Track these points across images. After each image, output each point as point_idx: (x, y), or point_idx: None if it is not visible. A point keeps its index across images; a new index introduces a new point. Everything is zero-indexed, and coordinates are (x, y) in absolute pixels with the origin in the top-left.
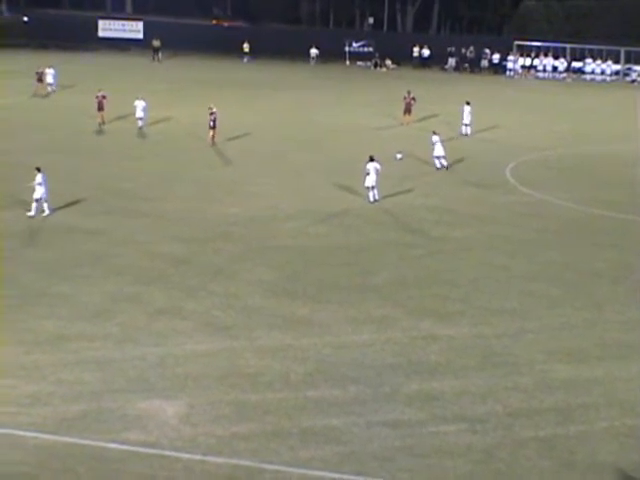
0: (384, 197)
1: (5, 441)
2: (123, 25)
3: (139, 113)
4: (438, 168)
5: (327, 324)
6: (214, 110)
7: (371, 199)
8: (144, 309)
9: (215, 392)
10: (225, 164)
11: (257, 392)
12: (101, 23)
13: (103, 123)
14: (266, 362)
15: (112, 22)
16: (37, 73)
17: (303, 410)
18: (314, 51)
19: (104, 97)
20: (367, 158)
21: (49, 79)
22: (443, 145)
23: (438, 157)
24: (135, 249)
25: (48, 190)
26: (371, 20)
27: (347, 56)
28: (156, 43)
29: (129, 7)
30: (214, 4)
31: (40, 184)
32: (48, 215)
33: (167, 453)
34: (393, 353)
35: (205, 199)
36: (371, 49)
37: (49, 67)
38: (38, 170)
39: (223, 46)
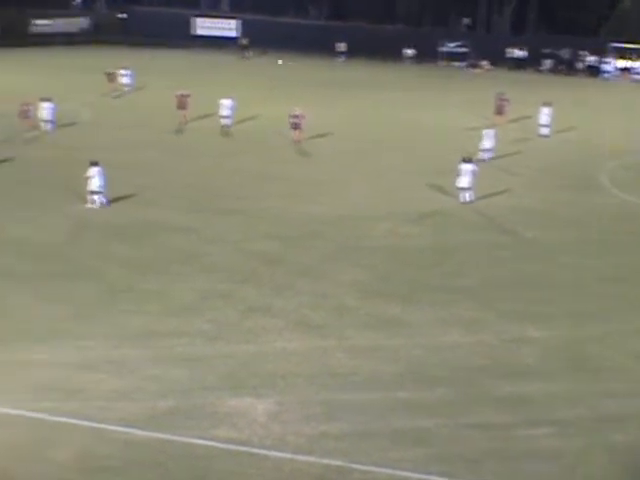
0: (477, 198)
1: (93, 435)
2: (218, 23)
3: (226, 111)
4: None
5: (418, 325)
6: (297, 113)
7: (462, 200)
8: (235, 306)
9: (305, 391)
10: (313, 163)
11: (347, 392)
12: (196, 21)
13: (185, 122)
14: (357, 362)
15: (207, 20)
16: (107, 73)
17: (393, 411)
18: (409, 51)
19: (185, 95)
20: (460, 158)
21: (125, 80)
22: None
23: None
24: (226, 247)
25: (106, 183)
26: (466, 21)
27: (442, 56)
28: (244, 41)
29: (225, 5)
30: (310, 3)
31: (94, 177)
32: (103, 207)
33: (256, 451)
34: (483, 355)
35: (294, 197)
36: (466, 50)
37: (124, 68)
38: (93, 164)
39: (318, 45)
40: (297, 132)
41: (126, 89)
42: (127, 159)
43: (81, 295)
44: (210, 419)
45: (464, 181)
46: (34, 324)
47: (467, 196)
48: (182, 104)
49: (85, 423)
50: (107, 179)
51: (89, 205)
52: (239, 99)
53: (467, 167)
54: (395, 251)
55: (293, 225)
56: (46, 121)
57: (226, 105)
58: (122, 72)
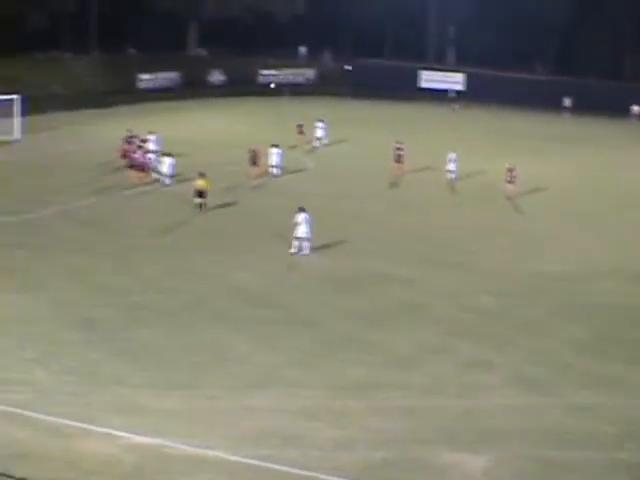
0: None
1: None
2: (444, 76)
3: (451, 166)
4: None
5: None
6: (510, 167)
7: None
8: (453, 360)
9: (521, 447)
10: (533, 217)
11: (563, 450)
12: (422, 74)
13: (401, 174)
14: (574, 420)
15: (433, 73)
16: (298, 126)
17: (610, 472)
18: (636, 108)
19: (400, 149)
20: None
21: (319, 133)
22: None
23: None
24: (446, 300)
25: (312, 231)
26: None
27: None
28: (452, 94)
29: (451, 58)
30: (536, 58)
31: (301, 223)
32: (307, 255)
33: None
34: None
35: (517, 252)
36: None
37: (319, 121)
38: (301, 210)
39: (543, 100)
40: (510, 187)
41: (317, 143)
42: (346, 209)
43: (301, 343)
44: (424, 472)
45: None
46: (254, 370)
47: None
48: (398, 158)
49: (301, 472)
50: (316, 226)
51: (292, 250)
52: (464, 152)
53: None
54: (619, 309)
55: (516, 280)
56: (274, 166)
57: (452, 158)
58: (318, 125)
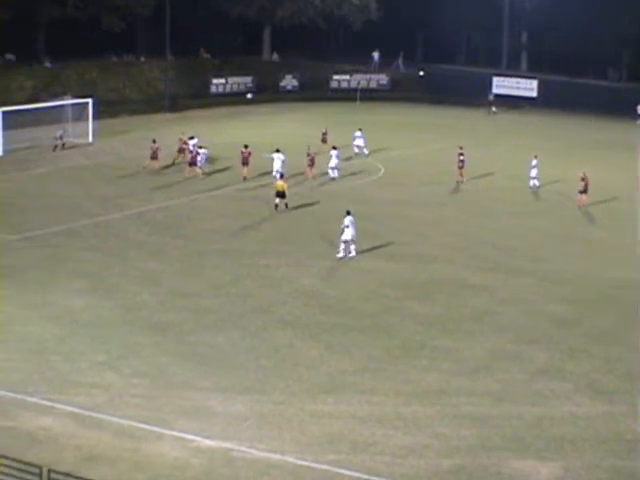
0: None
1: None
2: (517, 82)
3: (533, 172)
4: None
5: None
6: (583, 175)
7: None
8: (524, 368)
9: (591, 456)
10: (609, 225)
11: (634, 459)
12: (495, 80)
13: (462, 180)
14: None
15: (506, 79)
16: (322, 133)
17: None
18: None
19: (461, 154)
20: None
21: (358, 142)
22: None
23: None
24: (519, 307)
25: (357, 233)
26: None
27: None
28: (491, 97)
29: (524, 64)
30: (610, 65)
31: (348, 227)
32: (353, 257)
33: None
34: None
35: (590, 260)
36: None
37: (358, 130)
38: (348, 213)
39: (616, 107)
40: (583, 196)
41: (357, 151)
42: (413, 214)
43: (372, 349)
44: None
45: None
46: (323, 376)
47: None
48: (461, 163)
49: (369, 477)
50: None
51: (340, 255)
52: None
53: None
54: None
55: (589, 288)
56: (333, 168)
57: (535, 165)
58: (356, 134)
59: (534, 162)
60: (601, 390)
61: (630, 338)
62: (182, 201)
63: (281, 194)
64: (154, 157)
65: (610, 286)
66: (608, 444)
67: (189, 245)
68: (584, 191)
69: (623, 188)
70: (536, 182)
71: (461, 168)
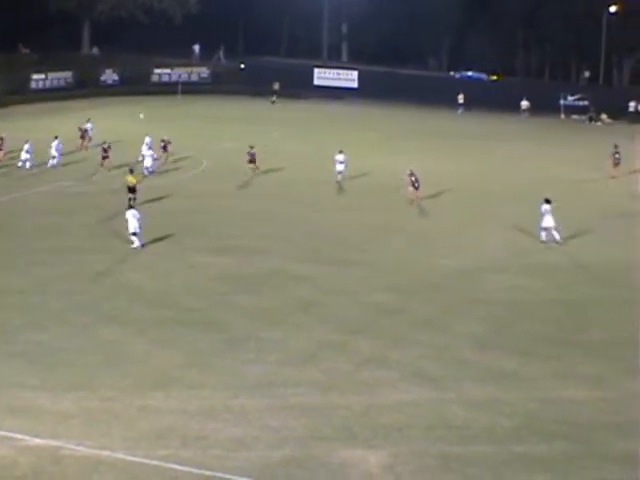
0: (597, 251)
1: None
2: (338, 74)
3: (339, 167)
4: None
5: (535, 378)
6: (412, 171)
7: (543, 238)
8: (350, 357)
9: (419, 443)
10: (432, 215)
11: (462, 445)
12: (316, 71)
13: (255, 174)
14: (472, 415)
15: (328, 71)
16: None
17: (508, 465)
18: (524, 103)
19: (252, 152)
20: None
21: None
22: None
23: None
24: (344, 297)
25: (142, 225)
26: (587, 74)
27: (562, 109)
28: (275, 86)
29: (345, 55)
30: (430, 55)
31: (129, 219)
32: (137, 248)
33: None
34: (604, 411)
35: (414, 250)
36: (586, 103)
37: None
38: (131, 207)
39: (434, 97)
40: (411, 190)
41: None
42: (242, 207)
43: (198, 343)
44: (324, 470)
45: (547, 221)
46: (151, 371)
47: (548, 235)
48: (253, 159)
49: (200, 471)
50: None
51: (134, 246)
52: (355, 152)
53: (546, 207)
54: (514, 304)
55: (413, 277)
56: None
57: (339, 159)
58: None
59: (340, 157)
60: (428, 377)
61: (455, 325)
62: (9, 198)
63: (132, 189)
64: None
65: (435, 275)
66: (436, 430)
67: (15, 242)
68: (414, 186)
69: (449, 178)
70: (339, 177)
71: (252, 162)
